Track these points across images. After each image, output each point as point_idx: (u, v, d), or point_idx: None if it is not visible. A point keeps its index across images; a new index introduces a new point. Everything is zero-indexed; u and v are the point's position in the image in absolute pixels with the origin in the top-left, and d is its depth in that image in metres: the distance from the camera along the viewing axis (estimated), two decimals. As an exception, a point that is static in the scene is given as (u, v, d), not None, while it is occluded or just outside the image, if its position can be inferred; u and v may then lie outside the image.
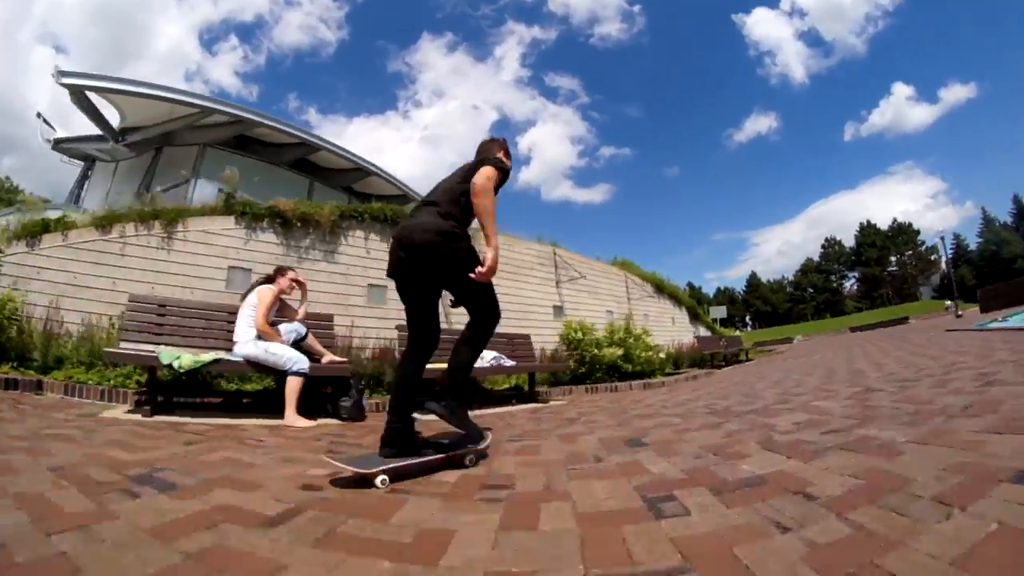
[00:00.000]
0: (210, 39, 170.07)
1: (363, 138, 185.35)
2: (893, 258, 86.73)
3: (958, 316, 23.19)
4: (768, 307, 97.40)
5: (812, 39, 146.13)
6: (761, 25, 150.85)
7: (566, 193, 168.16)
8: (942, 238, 28.32)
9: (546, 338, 9.59)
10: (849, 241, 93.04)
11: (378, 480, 2.10)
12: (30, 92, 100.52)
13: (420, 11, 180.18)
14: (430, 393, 2.57)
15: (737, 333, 20.81)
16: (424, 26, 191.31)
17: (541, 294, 11.16)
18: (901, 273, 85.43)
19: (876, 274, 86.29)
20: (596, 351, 8.45)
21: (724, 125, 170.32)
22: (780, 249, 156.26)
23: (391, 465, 2.21)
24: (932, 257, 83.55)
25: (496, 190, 2.59)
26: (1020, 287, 22.80)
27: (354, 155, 18.34)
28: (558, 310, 11.39)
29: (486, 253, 2.48)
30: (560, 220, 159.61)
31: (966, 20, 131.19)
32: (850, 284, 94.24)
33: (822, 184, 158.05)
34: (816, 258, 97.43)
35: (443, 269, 2.51)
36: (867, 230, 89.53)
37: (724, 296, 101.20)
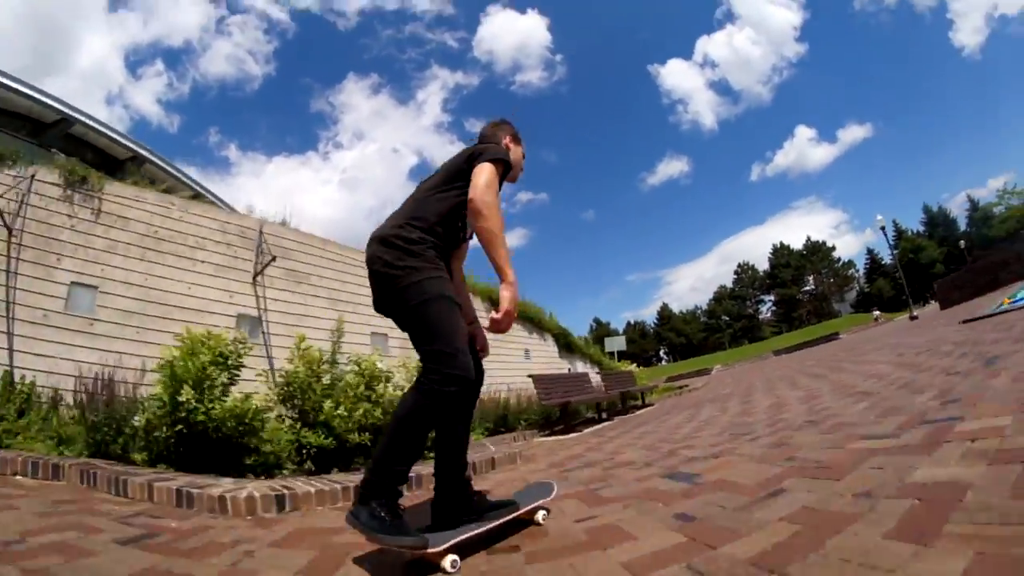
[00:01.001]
0: (135, 61, 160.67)
1: (282, 177, 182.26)
2: (810, 277, 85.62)
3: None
4: (682, 339, 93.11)
5: (722, 88, 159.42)
6: (675, 75, 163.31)
7: None
8: (882, 228, 23.67)
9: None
10: (763, 266, 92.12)
11: (447, 561, 1.66)
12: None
13: (348, 51, 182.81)
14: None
15: (632, 367, 15.25)
16: (351, 66, 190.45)
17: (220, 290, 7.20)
18: (819, 291, 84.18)
19: (793, 295, 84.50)
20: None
21: (638, 169, 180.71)
22: (693, 286, 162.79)
23: (453, 541, 1.71)
24: (849, 272, 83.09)
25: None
26: (979, 271, 20.61)
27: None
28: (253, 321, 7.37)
29: (501, 292, 1.88)
30: (474, 265, 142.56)
31: (863, 66, 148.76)
32: (766, 308, 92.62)
33: (731, 222, 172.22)
34: (730, 285, 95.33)
35: (389, 297, 1.93)
36: (780, 251, 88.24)
37: (635, 330, 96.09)
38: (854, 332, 32.64)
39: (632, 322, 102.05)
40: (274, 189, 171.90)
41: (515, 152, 2.42)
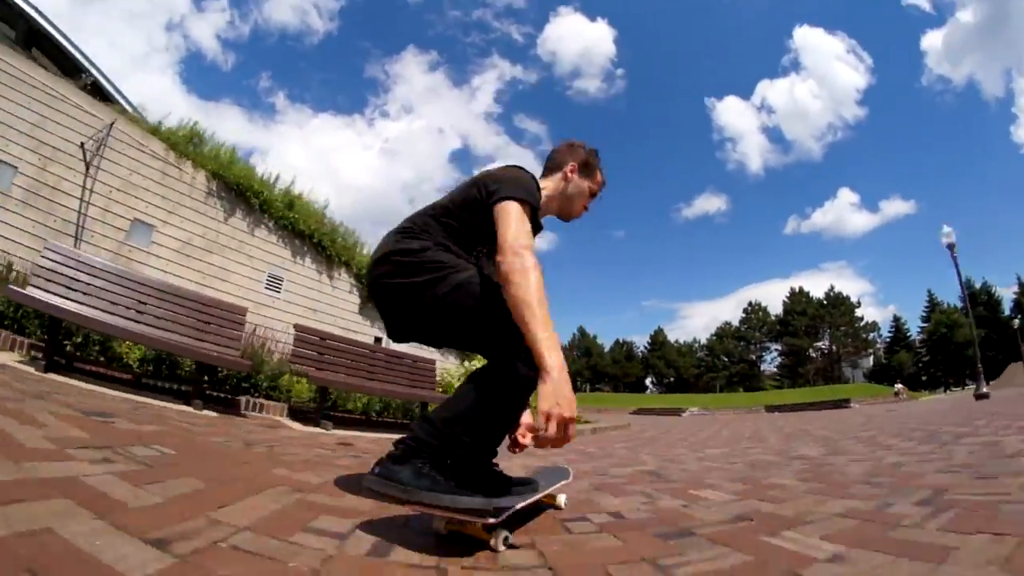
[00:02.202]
0: None
1: (325, 135, 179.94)
2: (826, 332, 78.34)
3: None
4: (671, 370, 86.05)
5: (775, 135, 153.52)
6: (730, 112, 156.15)
7: None
8: (949, 245, 17.48)
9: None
10: (777, 310, 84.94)
11: (500, 538, 1.40)
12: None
13: (413, 23, 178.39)
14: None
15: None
16: (412, 39, 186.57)
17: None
18: (832, 351, 76.83)
19: (804, 348, 77.19)
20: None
21: (676, 199, 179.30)
22: (707, 325, 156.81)
23: (514, 507, 1.47)
24: (869, 336, 75.86)
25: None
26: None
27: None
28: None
29: (539, 389, 1.34)
30: None
31: (918, 142, 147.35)
32: (771, 358, 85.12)
33: (758, 269, 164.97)
34: (736, 323, 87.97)
35: (406, 303, 1.64)
36: (798, 297, 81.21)
37: (620, 350, 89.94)
38: (869, 404, 26.17)
39: (621, 341, 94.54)
40: (314, 144, 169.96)
41: (575, 185, 2.05)
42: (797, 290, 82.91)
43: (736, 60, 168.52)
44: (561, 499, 2.05)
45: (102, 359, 5.16)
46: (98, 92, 10.15)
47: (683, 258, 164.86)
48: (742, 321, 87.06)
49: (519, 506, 1.50)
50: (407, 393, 6.16)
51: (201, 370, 4.48)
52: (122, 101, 11.61)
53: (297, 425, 4.77)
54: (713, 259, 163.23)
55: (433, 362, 6.83)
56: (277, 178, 10.13)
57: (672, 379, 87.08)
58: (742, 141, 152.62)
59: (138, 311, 4.56)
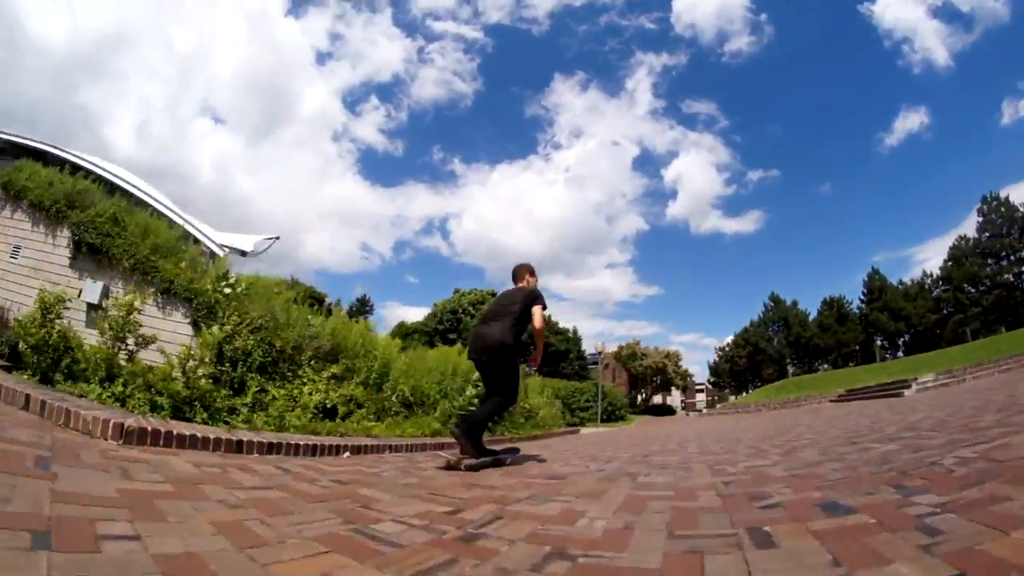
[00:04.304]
0: (352, 101, 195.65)
1: (507, 183, 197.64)
2: None
3: None
4: (900, 323, 67.28)
5: (948, 13, 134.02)
6: (890, 9, 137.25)
7: (715, 224, 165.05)
8: None
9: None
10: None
11: (463, 465, 4.86)
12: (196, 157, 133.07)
13: (549, 53, 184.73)
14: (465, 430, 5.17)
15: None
16: (555, 67, 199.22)
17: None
18: None
19: None
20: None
21: (873, 129, 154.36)
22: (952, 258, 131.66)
23: (471, 461, 4.94)
24: None
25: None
26: None
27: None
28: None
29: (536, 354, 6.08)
30: (712, 255, 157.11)
31: None
32: None
33: (990, 176, 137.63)
34: (973, 233, 66.06)
35: (501, 361, 5.42)
36: None
37: (829, 312, 72.41)
38: None
39: (828, 299, 75.17)
40: (501, 195, 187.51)
41: (534, 280, 5.92)
42: None
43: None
44: (508, 458, 5.39)
45: None
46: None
47: (900, 193, 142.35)
48: (981, 227, 65.45)
49: (501, 457, 5.36)
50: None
51: None
52: None
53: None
54: (935, 182, 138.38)
55: None
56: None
57: (908, 335, 68.64)
58: (916, 37, 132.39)
59: None
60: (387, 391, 8.67)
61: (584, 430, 20.72)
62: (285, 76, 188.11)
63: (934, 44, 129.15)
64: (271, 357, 7.39)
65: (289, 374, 7.47)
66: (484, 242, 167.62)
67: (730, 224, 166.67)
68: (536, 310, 5.40)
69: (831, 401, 26.81)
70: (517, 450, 6.40)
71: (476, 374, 8.84)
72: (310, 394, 7.16)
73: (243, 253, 18.04)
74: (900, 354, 64.78)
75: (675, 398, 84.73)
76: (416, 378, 9.38)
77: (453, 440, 5.38)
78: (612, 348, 75.05)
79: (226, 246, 17.15)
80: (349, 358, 8.47)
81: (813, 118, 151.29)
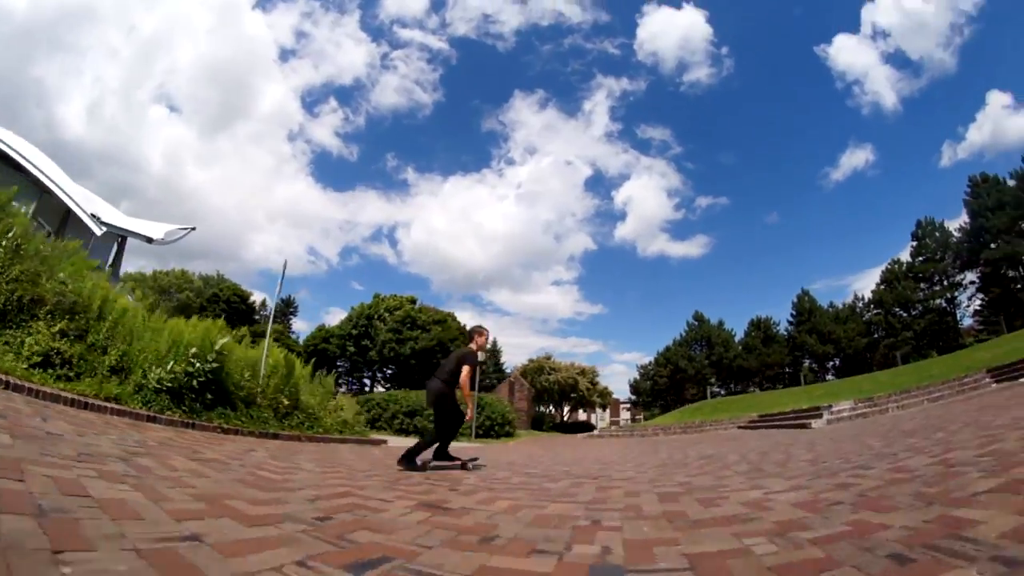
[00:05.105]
0: (311, 101, 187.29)
1: (459, 195, 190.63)
2: None
3: None
4: (828, 346, 64.99)
5: (899, 60, 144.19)
6: (844, 53, 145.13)
7: (662, 247, 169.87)
8: None
9: None
10: (958, 219, 61.02)
11: (427, 469, 7.02)
12: (147, 145, 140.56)
13: (511, 70, 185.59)
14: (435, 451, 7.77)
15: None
16: (516, 84, 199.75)
17: None
18: None
19: (1016, 255, 51.61)
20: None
21: (820, 164, 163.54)
22: None
23: (437, 463, 7.49)
24: None
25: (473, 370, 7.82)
26: None
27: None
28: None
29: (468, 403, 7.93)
30: (656, 277, 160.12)
31: None
32: (967, 296, 60.49)
33: (928, 213, 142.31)
34: (906, 257, 64.29)
35: (439, 407, 7.42)
36: (984, 185, 56.57)
37: (758, 328, 70.05)
38: None
39: (755, 319, 72.88)
40: (452, 207, 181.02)
41: (481, 340, 8.01)
42: (979, 177, 58.09)
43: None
44: (471, 464, 7.78)
45: None
46: None
47: (842, 225, 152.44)
48: (915, 252, 63.58)
49: (466, 463, 7.79)
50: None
51: None
52: None
53: None
54: (876, 216, 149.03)
55: None
56: None
57: (838, 358, 66.42)
58: (867, 80, 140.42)
59: None
60: (106, 355, 8.97)
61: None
62: (246, 70, 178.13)
63: (883, 88, 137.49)
64: (11, 305, 8.48)
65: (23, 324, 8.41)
66: (432, 253, 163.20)
67: (677, 247, 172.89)
68: (464, 370, 7.32)
69: (739, 427, 24.56)
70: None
71: (193, 349, 9.57)
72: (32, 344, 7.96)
73: (149, 240, 18.52)
74: (831, 377, 63.20)
75: (603, 416, 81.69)
76: (144, 348, 9.44)
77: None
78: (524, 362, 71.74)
79: (125, 228, 18.44)
80: (88, 319, 9.15)
81: (764, 150, 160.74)
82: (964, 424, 7.50)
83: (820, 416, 16.61)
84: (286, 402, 11.94)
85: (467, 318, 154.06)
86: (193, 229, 21.12)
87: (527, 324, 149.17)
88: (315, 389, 14.50)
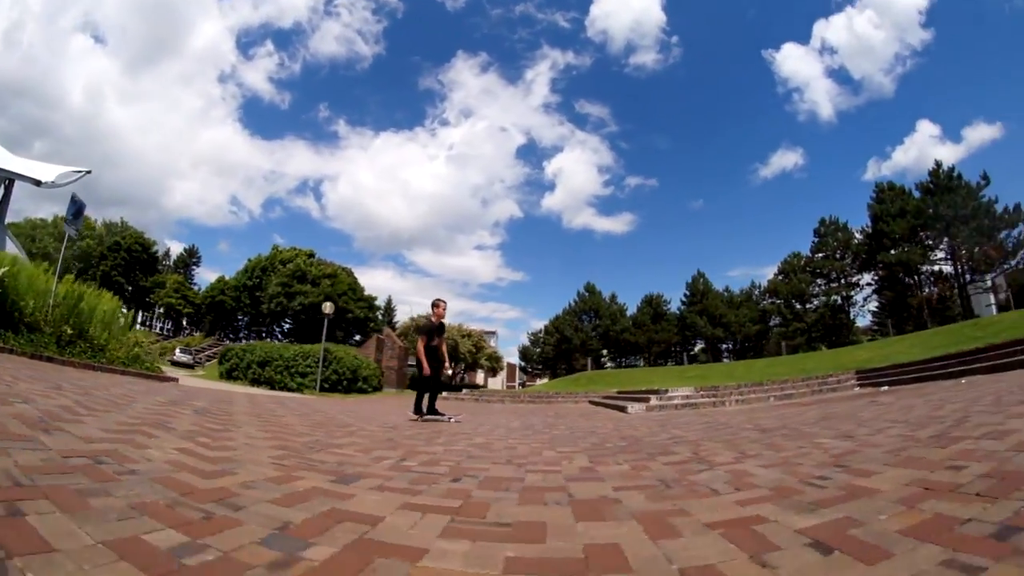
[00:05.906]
0: (247, 43, 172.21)
1: (389, 152, 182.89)
2: (942, 241, 53.12)
3: None
4: (719, 329, 65.02)
5: (841, 77, 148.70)
6: (790, 61, 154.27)
7: (588, 221, 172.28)
8: None
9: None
10: (860, 220, 61.65)
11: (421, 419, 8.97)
12: (67, 79, 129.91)
13: (458, 29, 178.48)
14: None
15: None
16: (460, 45, 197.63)
17: None
18: (964, 264, 51.92)
19: (910, 262, 53.42)
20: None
21: (751, 160, 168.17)
22: None
23: (430, 417, 9.19)
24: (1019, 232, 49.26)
25: (431, 338, 9.62)
26: None
27: None
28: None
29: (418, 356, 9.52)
30: (580, 249, 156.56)
31: (994, 60, 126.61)
32: (863, 297, 61.76)
33: (845, 219, 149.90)
34: (807, 252, 64.82)
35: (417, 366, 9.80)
36: (888, 194, 57.07)
37: (650, 305, 69.88)
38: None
39: (649, 296, 72.61)
40: (381, 163, 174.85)
41: (439, 311, 9.85)
42: (886, 186, 58.74)
43: (786, 2, 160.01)
44: (454, 419, 9.18)
45: None
46: None
47: (767, 219, 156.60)
48: (814, 248, 64.07)
49: (448, 418, 9.15)
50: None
51: None
52: None
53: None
54: (796, 215, 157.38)
55: None
56: None
57: (731, 342, 67.38)
58: (808, 89, 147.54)
59: None
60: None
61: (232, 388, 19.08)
62: (182, 1, 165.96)
63: (822, 99, 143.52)
64: None
65: None
66: (357, 209, 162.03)
67: (602, 223, 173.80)
68: (419, 339, 9.45)
69: (590, 402, 23.44)
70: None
71: None
72: None
73: (37, 183, 17.83)
74: (727, 359, 64.24)
75: (499, 381, 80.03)
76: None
77: None
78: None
79: (9, 171, 17.89)
80: None
81: (699, 139, 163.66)
82: (760, 431, 6.05)
83: (646, 401, 14.53)
84: (70, 331, 12.45)
85: (388, 277, 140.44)
86: (88, 172, 19.63)
87: (448, 286, 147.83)
88: (115, 323, 14.90)
